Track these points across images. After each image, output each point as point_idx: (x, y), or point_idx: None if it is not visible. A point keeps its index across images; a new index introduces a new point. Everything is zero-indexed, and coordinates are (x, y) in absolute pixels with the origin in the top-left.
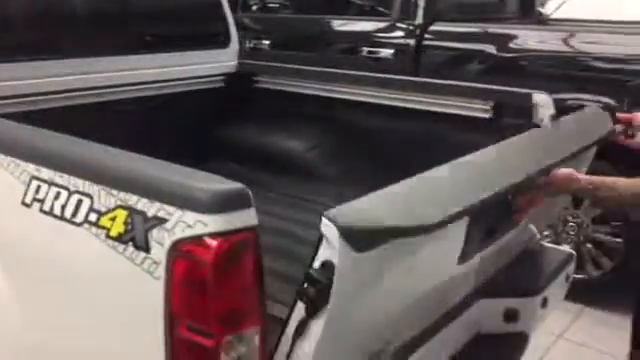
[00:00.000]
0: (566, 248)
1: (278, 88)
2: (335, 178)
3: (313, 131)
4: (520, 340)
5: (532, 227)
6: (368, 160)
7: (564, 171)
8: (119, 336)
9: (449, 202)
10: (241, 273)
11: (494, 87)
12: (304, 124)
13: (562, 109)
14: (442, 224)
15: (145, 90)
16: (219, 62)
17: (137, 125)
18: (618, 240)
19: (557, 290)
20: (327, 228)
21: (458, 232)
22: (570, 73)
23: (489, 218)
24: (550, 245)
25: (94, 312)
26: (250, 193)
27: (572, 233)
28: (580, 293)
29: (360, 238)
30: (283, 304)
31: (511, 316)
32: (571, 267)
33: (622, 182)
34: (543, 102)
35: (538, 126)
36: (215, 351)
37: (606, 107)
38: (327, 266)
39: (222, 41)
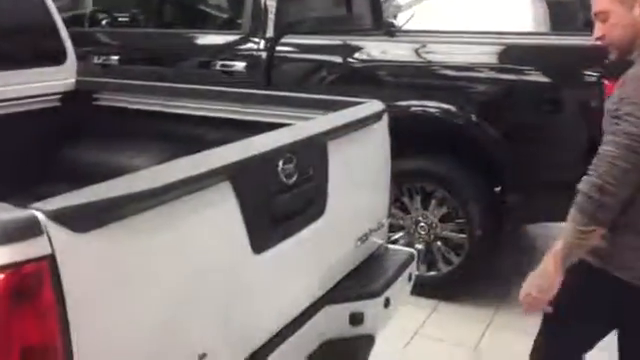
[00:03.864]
0: (407, 249)
1: (120, 105)
2: None
3: (160, 148)
4: (367, 341)
5: (375, 238)
6: None
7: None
8: None
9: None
10: (37, 306)
11: (333, 97)
12: (150, 141)
13: (401, 114)
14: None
15: None
16: (54, 80)
17: None
18: (462, 236)
19: (399, 290)
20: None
21: (221, 206)
22: (412, 81)
23: (265, 195)
24: (393, 247)
25: None
26: (43, 219)
27: (423, 233)
28: (434, 290)
29: (75, 216)
30: None
31: (357, 319)
32: (413, 266)
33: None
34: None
35: None
36: None
37: None
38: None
39: (56, 58)
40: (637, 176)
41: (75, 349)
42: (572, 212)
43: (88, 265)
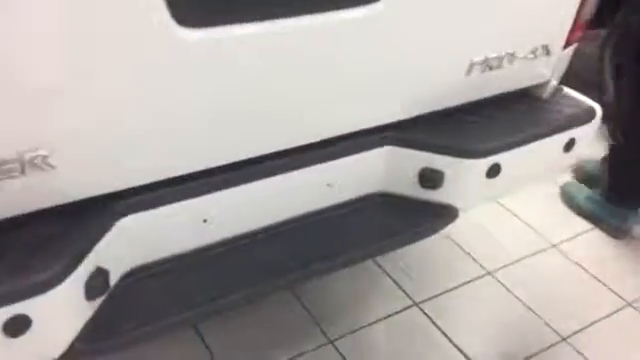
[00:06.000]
0: (587, 100)
1: None
2: None
3: None
4: (443, 213)
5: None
6: None
7: None
8: None
9: None
10: None
11: None
12: None
13: None
14: None
15: None
16: None
17: None
18: None
19: (535, 159)
20: None
21: None
22: None
23: None
24: (570, 93)
25: None
26: None
27: None
28: None
29: None
30: None
31: (429, 179)
32: (582, 129)
33: None
34: None
35: None
36: None
37: None
38: None
39: None
40: None
41: None
42: None
43: None
